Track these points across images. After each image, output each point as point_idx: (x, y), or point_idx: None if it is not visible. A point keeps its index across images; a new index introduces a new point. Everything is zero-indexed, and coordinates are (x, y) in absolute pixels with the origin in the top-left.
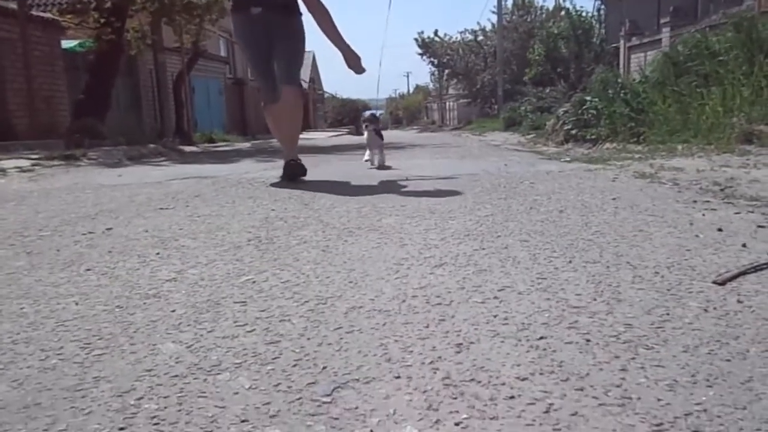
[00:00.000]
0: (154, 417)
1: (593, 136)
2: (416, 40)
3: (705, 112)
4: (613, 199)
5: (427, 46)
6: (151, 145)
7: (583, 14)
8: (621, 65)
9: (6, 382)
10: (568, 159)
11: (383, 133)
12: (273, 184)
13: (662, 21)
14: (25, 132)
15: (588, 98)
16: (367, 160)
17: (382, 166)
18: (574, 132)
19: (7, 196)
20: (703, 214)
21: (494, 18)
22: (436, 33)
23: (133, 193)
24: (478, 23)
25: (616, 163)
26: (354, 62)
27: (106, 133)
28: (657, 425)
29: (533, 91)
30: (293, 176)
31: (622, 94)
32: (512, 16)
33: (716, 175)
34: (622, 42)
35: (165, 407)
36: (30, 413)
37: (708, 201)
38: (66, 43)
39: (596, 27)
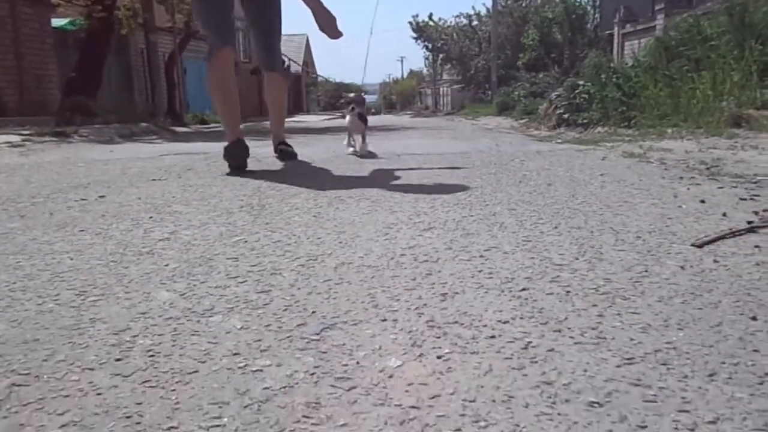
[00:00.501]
0: (149, 350)
1: (585, 120)
2: (410, 23)
3: (695, 96)
4: (601, 174)
5: (422, 30)
6: (143, 124)
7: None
8: (615, 52)
9: (5, 322)
10: (559, 141)
11: (371, 118)
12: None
13: (657, 8)
14: (16, 109)
15: (580, 83)
16: (350, 147)
17: (365, 154)
18: (566, 116)
19: None
20: (688, 188)
21: (489, 2)
22: (430, 17)
23: (125, 167)
24: (473, 8)
25: (606, 145)
26: (327, 23)
27: (98, 112)
28: (628, 359)
29: (527, 77)
30: (290, 157)
31: (614, 79)
32: (507, 1)
33: (703, 155)
34: (616, 29)
35: (160, 343)
36: (29, 347)
37: (693, 177)
38: (56, 21)
39: (591, 13)
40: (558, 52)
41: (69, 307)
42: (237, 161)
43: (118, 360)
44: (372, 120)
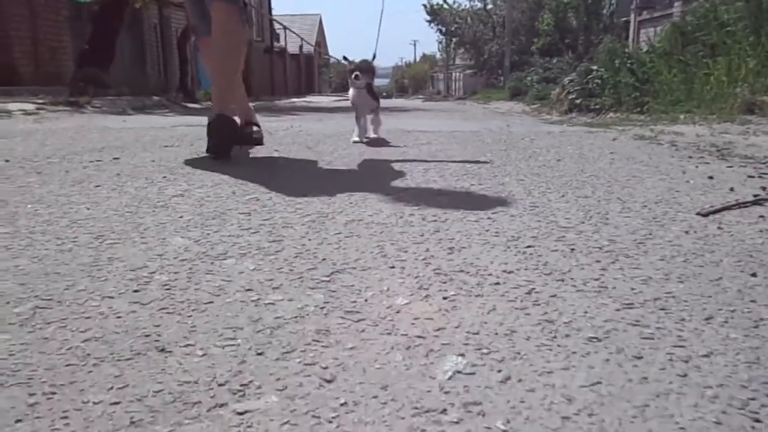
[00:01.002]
0: (166, 285)
1: (597, 106)
2: (424, 6)
3: (709, 82)
4: (611, 153)
5: (436, 14)
6: (155, 98)
7: None
8: (630, 39)
9: (26, 257)
10: (570, 124)
11: (382, 101)
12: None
13: None
14: (31, 80)
15: (594, 68)
16: (355, 135)
17: (376, 141)
18: (578, 101)
19: (14, 132)
20: (697, 167)
21: None
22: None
23: (138, 135)
24: None
25: (618, 128)
26: None
27: (111, 84)
28: (628, 304)
29: (540, 62)
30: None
31: (628, 64)
32: None
33: (714, 139)
34: (632, 15)
35: (176, 279)
36: (50, 278)
37: (702, 157)
38: None
39: None
40: (573, 37)
41: (87, 248)
42: (214, 149)
43: (135, 291)
44: (383, 102)
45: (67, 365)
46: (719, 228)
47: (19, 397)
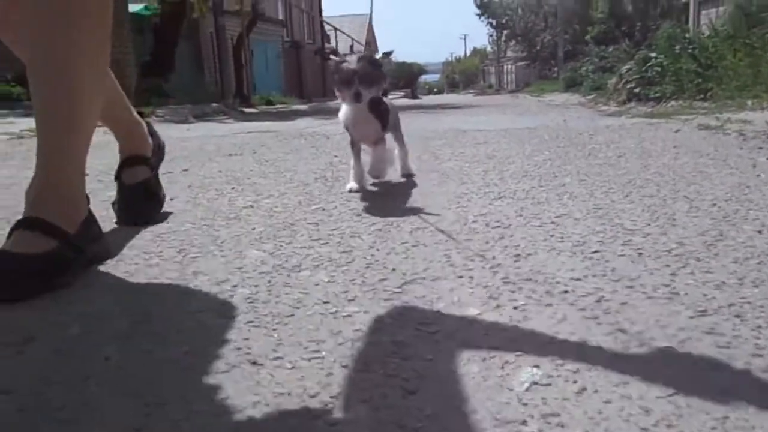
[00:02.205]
0: (249, 298)
1: (657, 94)
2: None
3: None
4: (674, 147)
5: (486, 6)
6: (214, 105)
7: None
8: (690, 21)
9: (120, 272)
10: (629, 115)
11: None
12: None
13: None
14: None
15: (653, 55)
16: (352, 180)
17: (408, 174)
18: (637, 90)
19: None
20: None
21: None
22: None
23: (202, 143)
24: None
25: (680, 118)
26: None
27: (171, 93)
28: (701, 311)
29: (595, 51)
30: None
31: (689, 50)
32: None
33: None
34: None
35: (257, 293)
36: (141, 293)
37: None
38: (132, 7)
39: None
40: (629, 24)
41: (173, 262)
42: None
43: (221, 305)
44: (435, 99)
45: (169, 377)
46: None
47: (132, 407)
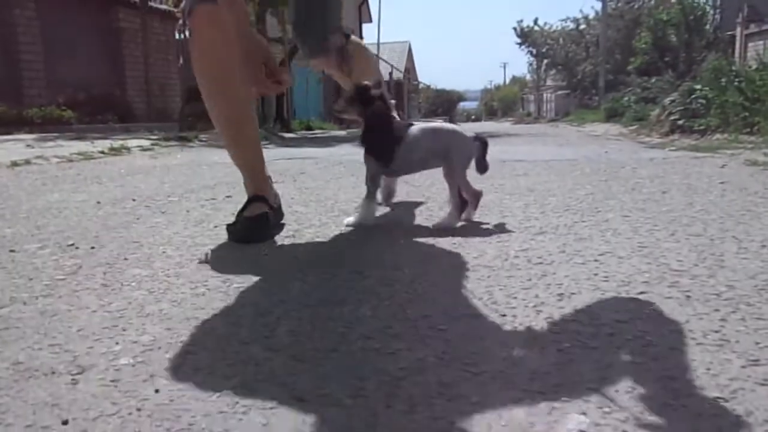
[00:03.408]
0: (292, 331)
1: (701, 127)
2: (514, 29)
3: None
4: (721, 183)
5: (526, 36)
6: None
7: None
8: (736, 54)
9: (167, 301)
10: (673, 148)
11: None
12: None
13: None
14: (142, 116)
15: (697, 87)
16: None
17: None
18: (680, 122)
19: (135, 169)
20: None
21: (598, 5)
22: (535, 21)
23: None
24: (581, 11)
25: (726, 152)
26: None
27: None
28: (753, 361)
29: (638, 81)
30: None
31: (735, 82)
32: (618, 3)
33: None
34: (738, 29)
35: (299, 326)
36: (191, 323)
37: None
38: (179, 34)
39: (710, 13)
40: (672, 55)
41: (218, 292)
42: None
43: (266, 337)
44: (472, 127)
45: (220, 412)
46: None
47: None
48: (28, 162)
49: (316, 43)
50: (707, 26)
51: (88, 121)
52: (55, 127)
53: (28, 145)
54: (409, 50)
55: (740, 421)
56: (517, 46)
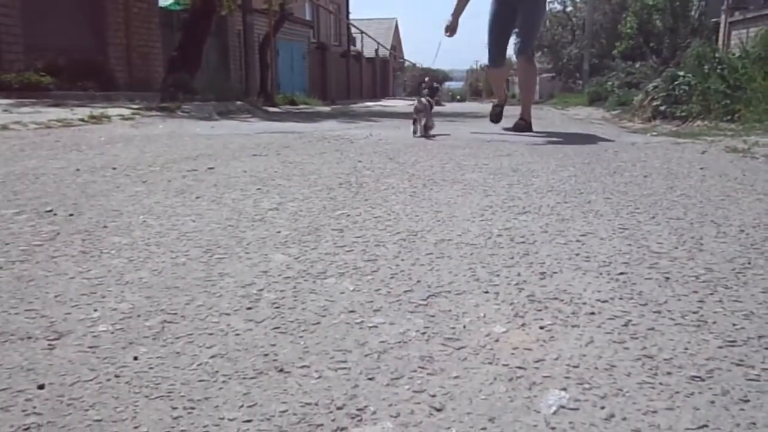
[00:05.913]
0: (275, 303)
1: (683, 113)
2: None
3: None
4: (701, 168)
5: None
6: (238, 102)
7: None
8: (720, 41)
9: (147, 270)
10: (654, 133)
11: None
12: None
13: None
14: (123, 85)
15: (681, 73)
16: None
17: (427, 135)
18: (662, 108)
19: (115, 138)
20: None
21: None
22: None
23: (227, 142)
24: None
25: (707, 138)
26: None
27: (197, 89)
28: (730, 342)
29: (622, 66)
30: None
31: (718, 70)
32: None
33: None
34: (723, 16)
35: (282, 298)
36: (171, 293)
37: None
38: (162, 1)
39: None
40: (657, 41)
41: (199, 262)
42: (518, 129)
43: (248, 308)
44: (457, 107)
45: (199, 380)
46: None
47: (163, 410)
48: (5, 127)
49: None
50: (693, 12)
51: (68, 87)
52: (33, 93)
53: (5, 110)
54: (396, 27)
55: (717, 399)
56: None
